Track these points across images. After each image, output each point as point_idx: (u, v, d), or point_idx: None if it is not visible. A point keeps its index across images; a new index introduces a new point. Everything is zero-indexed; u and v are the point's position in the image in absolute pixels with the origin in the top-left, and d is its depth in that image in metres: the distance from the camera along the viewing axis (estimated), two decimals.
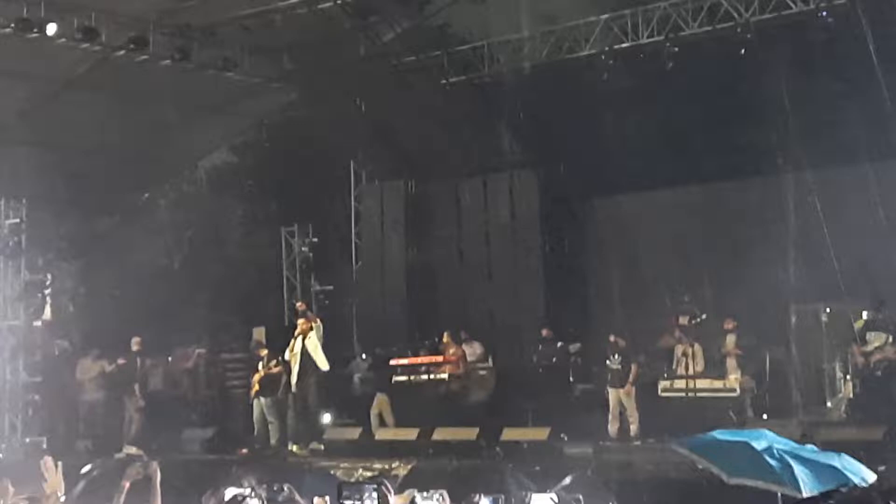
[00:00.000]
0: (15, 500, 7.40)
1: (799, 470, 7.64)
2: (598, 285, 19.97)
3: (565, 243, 20.70)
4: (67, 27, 16.15)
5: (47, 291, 18.29)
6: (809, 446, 9.94)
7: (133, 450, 16.95)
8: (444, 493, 7.12)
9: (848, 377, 15.55)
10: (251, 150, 20.15)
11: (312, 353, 16.58)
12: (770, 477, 7.72)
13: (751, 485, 7.75)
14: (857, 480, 7.71)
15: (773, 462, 7.81)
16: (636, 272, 18.72)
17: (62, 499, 5.84)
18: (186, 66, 17.60)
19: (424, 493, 7.03)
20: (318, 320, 17.00)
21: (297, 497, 7.35)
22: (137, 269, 18.72)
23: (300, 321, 16.84)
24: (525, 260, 20.58)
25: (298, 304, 17.21)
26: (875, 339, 14.37)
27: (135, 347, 17.79)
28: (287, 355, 16.84)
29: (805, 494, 7.45)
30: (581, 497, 8.17)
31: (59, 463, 6.12)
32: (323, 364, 16.64)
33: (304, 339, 16.63)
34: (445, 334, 18.11)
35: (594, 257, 20.34)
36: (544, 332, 18.26)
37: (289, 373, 16.72)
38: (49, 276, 18.31)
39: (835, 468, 7.83)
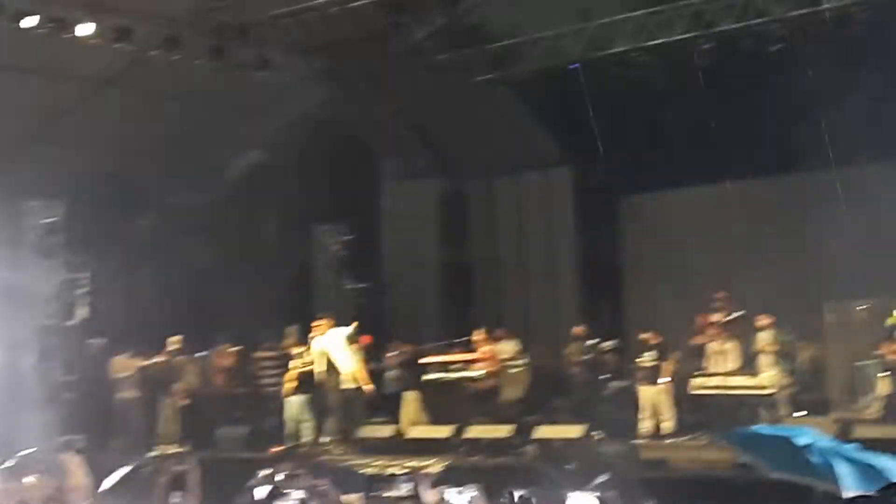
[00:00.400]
0: (43, 491, 7.49)
1: (839, 468, 7.59)
2: (632, 282, 19.92)
3: (599, 240, 20.65)
4: (103, 27, 16.28)
5: (83, 290, 18.43)
6: (851, 445, 9.90)
7: (171, 448, 17.08)
8: (476, 489, 7.13)
9: (883, 374, 15.43)
10: (285, 150, 20.18)
11: (333, 354, 16.69)
12: (811, 473, 7.71)
13: (791, 479, 7.74)
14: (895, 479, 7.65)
15: (814, 459, 7.79)
16: (670, 269, 18.67)
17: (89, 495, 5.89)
18: (220, 65, 17.69)
19: (457, 490, 7.03)
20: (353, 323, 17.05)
21: (333, 492, 7.39)
22: (173, 268, 18.84)
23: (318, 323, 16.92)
24: (559, 257, 20.54)
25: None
26: None
27: (174, 346, 17.91)
28: (307, 356, 16.96)
29: (844, 493, 7.41)
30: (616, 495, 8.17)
31: (82, 458, 6.18)
32: (343, 367, 16.71)
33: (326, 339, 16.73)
34: (478, 332, 18.11)
35: (628, 255, 20.29)
36: (578, 330, 18.21)
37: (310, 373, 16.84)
38: (85, 275, 18.44)
39: (875, 468, 7.77)
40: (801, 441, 8.17)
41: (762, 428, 10.50)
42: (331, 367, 16.75)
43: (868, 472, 7.68)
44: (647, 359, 16.40)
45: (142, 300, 17.92)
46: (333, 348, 16.74)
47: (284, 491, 7.24)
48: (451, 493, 6.82)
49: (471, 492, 7.07)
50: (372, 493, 5.10)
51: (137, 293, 18.18)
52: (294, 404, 16.99)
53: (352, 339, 16.97)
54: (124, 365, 17.92)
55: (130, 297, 18.25)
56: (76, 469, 6.01)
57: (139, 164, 19.03)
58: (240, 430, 17.47)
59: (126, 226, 19.04)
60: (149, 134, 18.50)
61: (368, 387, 17.11)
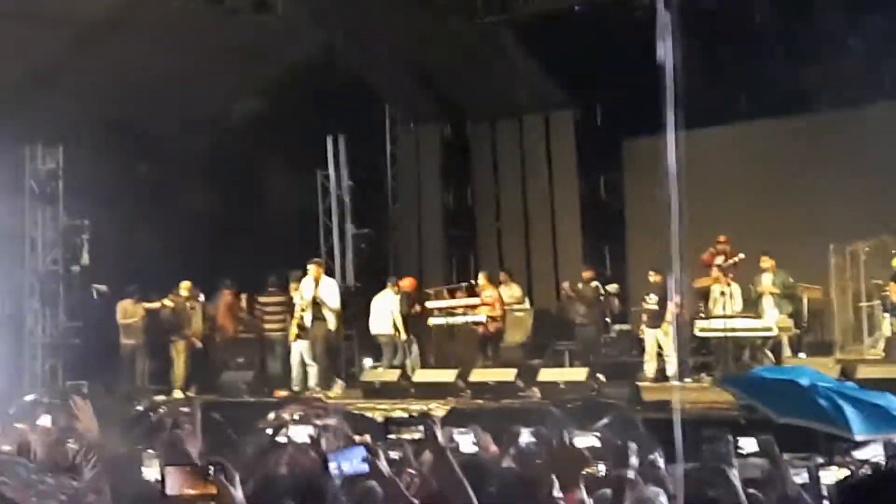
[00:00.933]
0: (49, 436, 7.50)
1: (849, 410, 7.51)
2: (635, 226, 19.90)
3: (602, 184, 20.61)
4: None
5: (85, 236, 18.44)
6: (850, 384, 9.90)
7: (178, 392, 17.18)
8: (479, 428, 7.11)
9: (886, 315, 15.46)
10: (286, 95, 20.06)
11: (323, 299, 16.73)
12: (820, 417, 7.61)
13: (800, 424, 7.65)
14: None
15: (822, 401, 7.69)
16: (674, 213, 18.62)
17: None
18: (219, 9, 17.56)
19: (461, 430, 7.02)
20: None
21: (345, 430, 7.39)
22: (176, 214, 18.82)
23: (312, 266, 16.92)
24: (562, 200, 20.51)
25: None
26: None
27: (184, 292, 17.96)
28: (299, 300, 17.01)
29: (856, 435, 7.34)
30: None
31: (88, 402, 6.18)
32: (331, 315, 16.78)
33: (316, 286, 16.77)
34: (482, 275, 18.15)
35: (631, 198, 20.25)
36: (581, 273, 18.22)
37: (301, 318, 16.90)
38: (87, 222, 18.44)
39: (881, 407, 7.74)
40: (805, 382, 8.11)
41: (763, 370, 10.50)
42: (318, 314, 16.79)
43: (875, 411, 7.65)
44: (650, 301, 16.42)
45: (145, 246, 17.90)
46: (324, 295, 16.75)
47: (294, 427, 7.22)
48: (455, 433, 6.78)
49: (474, 432, 7.05)
50: (387, 436, 5.07)
51: (140, 239, 18.16)
52: (299, 349, 17.06)
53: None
54: (129, 310, 17.96)
55: (133, 243, 18.23)
56: (83, 413, 5.99)
57: (139, 110, 18.93)
58: (245, 374, 17.54)
59: (127, 172, 18.98)
60: (148, 80, 18.37)
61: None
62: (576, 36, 18.15)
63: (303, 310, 16.99)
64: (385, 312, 17.47)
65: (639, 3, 17.51)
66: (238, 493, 3.79)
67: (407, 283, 18.53)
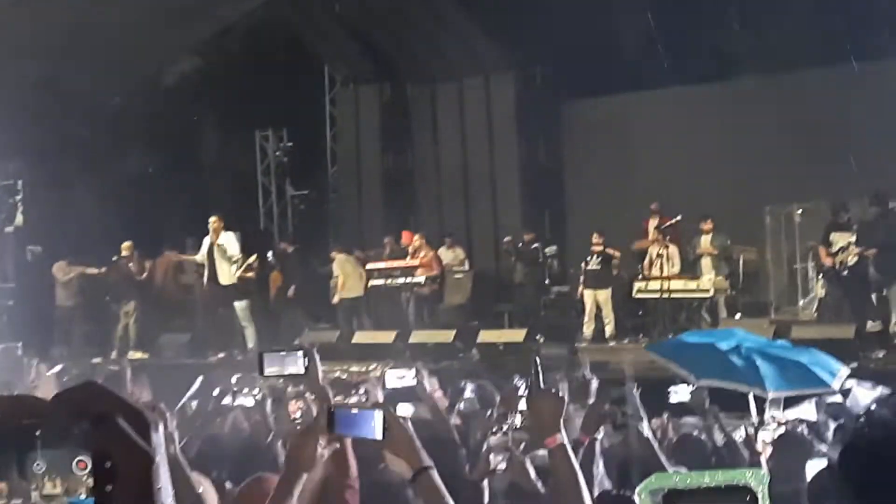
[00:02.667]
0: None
1: (764, 368, 7.71)
2: (575, 188, 20.00)
3: (542, 146, 20.66)
4: None
5: (18, 197, 18.17)
6: (780, 341, 10.09)
7: (137, 354, 17.02)
8: (419, 368, 7.11)
9: (819, 277, 15.68)
10: (223, 54, 19.86)
11: (220, 260, 16.58)
12: (735, 377, 7.81)
13: (717, 385, 7.82)
14: (825, 375, 7.81)
15: (737, 361, 7.90)
16: (613, 175, 18.74)
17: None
18: None
19: (399, 375, 7.05)
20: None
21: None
22: (113, 175, 18.58)
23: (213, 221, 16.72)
24: (502, 163, 20.52)
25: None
26: (839, 240, 14.44)
27: (125, 253, 17.76)
28: (200, 258, 16.89)
29: (769, 393, 7.56)
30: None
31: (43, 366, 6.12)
32: (224, 277, 16.64)
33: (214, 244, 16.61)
34: (421, 238, 18.12)
35: (571, 160, 20.32)
36: (523, 236, 18.27)
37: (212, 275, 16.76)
38: (20, 182, 18.16)
39: (802, 364, 7.90)
40: (725, 345, 8.30)
41: (689, 335, 10.65)
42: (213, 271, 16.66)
43: (794, 369, 7.82)
44: (591, 263, 16.51)
45: (80, 207, 17.66)
46: (221, 252, 16.59)
47: (239, 391, 7.20)
48: (390, 373, 6.79)
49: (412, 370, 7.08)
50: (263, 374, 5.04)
51: (75, 200, 17.92)
52: (237, 310, 16.97)
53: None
54: (66, 271, 17.75)
55: (68, 203, 17.98)
56: (42, 378, 5.94)
57: (73, 70, 18.61)
58: (182, 336, 17.43)
59: (61, 132, 18.69)
60: (83, 39, 18.05)
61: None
62: None
63: (199, 264, 16.88)
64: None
65: None
66: (159, 437, 3.77)
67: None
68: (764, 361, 7.77)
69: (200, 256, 16.78)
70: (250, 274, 17.09)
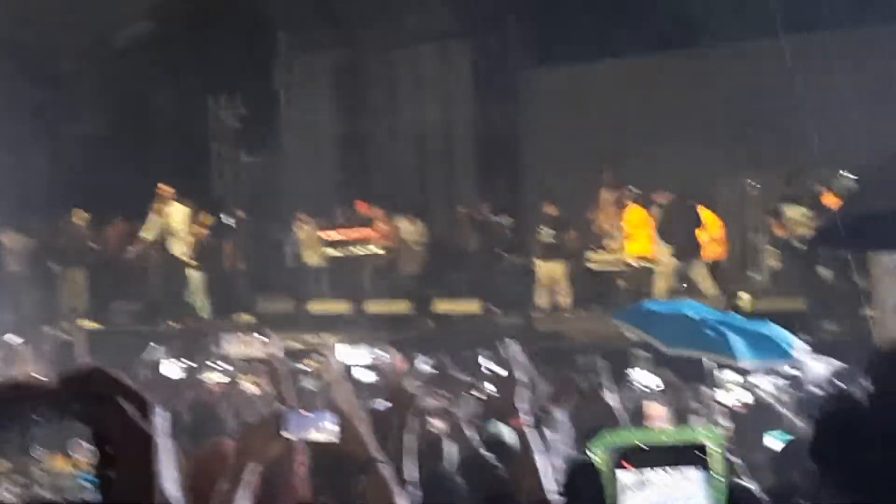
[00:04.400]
0: None
1: (733, 339, 7.82)
2: (531, 158, 19.98)
3: (499, 115, 20.60)
4: None
5: None
6: (733, 314, 10.19)
7: (66, 321, 16.86)
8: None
9: (772, 249, 15.80)
10: (175, 18, 19.60)
11: (175, 233, 16.44)
12: (706, 346, 7.91)
13: (687, 354, 7.90)
14: (786, 347, 7.92)
15: (708, 332, 7.99)
16: (569, 145, 18.73)
17: None
18: None
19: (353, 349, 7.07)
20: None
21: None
22: (63, 140, 18.34)
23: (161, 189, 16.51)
24: (458, 132, 20.47)
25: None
26: (789, 212, 14.56)
27: (77, 220, 17.56)
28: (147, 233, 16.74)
29: (739, 363, 7.66)
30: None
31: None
32: (177, 249, 16.50)
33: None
34: (375, 207, 18.06)
35: (527, 129, 20.29)
36: (479, 205, 18.25)
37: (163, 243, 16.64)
38: None
39: (766, 336, 8.02)
40: (693, 315, 8.37)
41: (652, 304, 10.71)
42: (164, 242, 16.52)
43: (760, 340, 7.93)
44: (544, 233, 16.53)
45: (29, 171, 17.42)
46: (174, 222, 16.43)
47: (203, 364, 7.18)
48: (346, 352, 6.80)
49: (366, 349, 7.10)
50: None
51: (25, 164, 17.66)
52: (191, 279, 16.86)
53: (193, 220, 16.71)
54: (13, 238, 17.53)
55: (17, 168, 17.72)
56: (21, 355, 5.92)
57: (25, 32, 18.32)
58: (134, 304, 17.29)
59: (10, 95, 18.38)
60: (33, 1, 17.77)
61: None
62: None
63: (147, 231, 16.77)
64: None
65: None
66: (159, 419, 3.73)
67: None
68: (731, 332, 7.87)
69: (147, 231, 16.59)
70: (205, 232, 16.96)
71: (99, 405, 1.30)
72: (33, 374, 5.61)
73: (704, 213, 15.57)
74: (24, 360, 5.93)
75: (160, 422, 1.35)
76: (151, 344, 9.83)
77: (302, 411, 2.95)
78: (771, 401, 7.28)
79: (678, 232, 15.85)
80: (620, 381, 7.56)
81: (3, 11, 17.57)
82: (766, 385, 7.67)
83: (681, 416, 6.77)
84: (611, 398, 5.82)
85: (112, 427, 1.30)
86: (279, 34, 21.98)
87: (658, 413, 6.47)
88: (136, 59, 19.67)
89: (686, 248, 15.72)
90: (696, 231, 15.35)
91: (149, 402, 1.35)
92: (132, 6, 19.92)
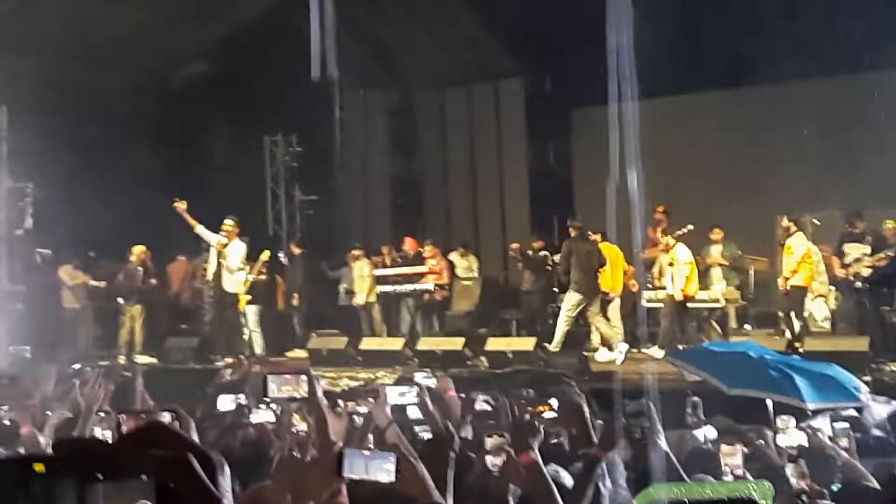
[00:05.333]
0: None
1: (799, 380, 7.63)
2: (583, 195, 19.92)
3: (551, 152, 20.60)
4: None
5: (28, 200, 18.13)
6: (795, 357, 10.00)
7: (123, 357, 16.98)
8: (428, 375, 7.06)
9: (831, 289, 15.59)
10: (232, 57, 19.81)
11: (231, 270, 16.42)
12: (771, 387, 7.72)
13: (752, 395, 7.73)
14: (851, 389, 7.75)
15: (773, 372, 7.81)
16: (622, 182, 18.64)
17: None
18: None
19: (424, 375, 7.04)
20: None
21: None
22: (120, 178, 18.54)
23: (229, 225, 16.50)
24: (510, 169, 20.47)
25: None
26: (851, 251, 14.36)
27: (135, 257, 17.71)
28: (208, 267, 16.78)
29: (808, 404, 7.46)
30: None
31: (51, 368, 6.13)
32: (233, 285, 16.47)
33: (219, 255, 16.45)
34: (429, 244, 18.08)
35: (580, 167, 20.25)
36: (532, 244, 18.20)
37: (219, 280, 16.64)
38: (31, 185, 18.14)
39: (830, 377, 7.85)
40: (755, 355, 8.20)
41: (711, 345, 10.55)
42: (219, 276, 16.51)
43: (824, 381, 7.75)
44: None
45: (89, 210, 17.62)
46: (231, 259, 16.45)
47: (253, 404, 7.17)
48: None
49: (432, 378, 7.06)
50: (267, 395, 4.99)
51: (85, 202, 17.87)
52: (248, 315, 16.93)
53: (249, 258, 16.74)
54: (70, 276, 17.73)
55: (77, 206, 17.93)
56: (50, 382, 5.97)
57: (83, 71, 18.61)
58: (190, 340, 17.37)
59: (70, 134, 18.65)
60: (93, 40, 18.04)
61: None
62: (525, 2, 18.05)
63: (204, 268, 16.83)
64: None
65: None
66: (194, 438, 3.74)
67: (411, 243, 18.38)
68: (796, 373, 7.69)
69: (209, 264, 16.69)
70: (262, 276, 17.07)
71: (162, 464, 1.26)
72: (95, 434, 5.65)
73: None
74: (92, 396, 5.96)
75: (226, 482, 1.31)
76: (208, 389, 9.89)
77: (363, 451, 2.92)
78: (828, 444, 7.12)
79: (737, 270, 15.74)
80: (676, 424, 7.43)
81: (61, 51, 17.88)
82: (825, 428, 7.51)
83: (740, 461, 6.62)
84: (665, 444, 5.69)
85: (176, 485, 1.25)
86: (335, 72, 22.14)
87: (729, 452, 6.30)
88: (192, 99, 19.89)
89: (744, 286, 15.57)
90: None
91: (215, 460, 1.31)
92: (188, 46, 20.17)
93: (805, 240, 14.65)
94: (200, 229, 16.05)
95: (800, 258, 14.30)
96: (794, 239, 14.47)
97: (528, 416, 4.41)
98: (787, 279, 14.34)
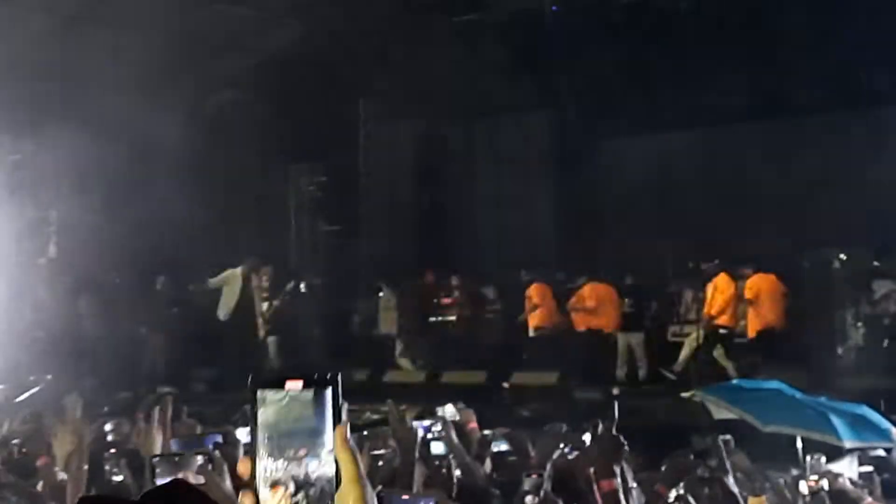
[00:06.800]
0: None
1: (834, 418, 7.50)
2: (611, 229, 19.79)
3: (578, 185, 20.49)
4: None
5: (52, 228, 18.16)
6: (823, 398, 9.84)
7: (166, 388, 16.91)
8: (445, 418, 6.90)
9: (859, 325, 15.40)
10: (259, 88, 19.88)
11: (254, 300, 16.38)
12: (807, 425, 7.58)
13: (786, 433, 7.59)
14: (885, 429, 7.61)
15: (808, 410, 7.69)
16: (649, 215, 18.55)
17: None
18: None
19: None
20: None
21: None
22: (144, 207, 18.56)
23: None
24: (537, 201, 20.38)
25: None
26: (881, 288, 14.20)
27: (159, 286, 17.73)
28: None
29: (845, 442, 7.32)
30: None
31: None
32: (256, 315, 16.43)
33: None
34: (455, 276, 18.01)
35: (607, 200, 20.14)
36: (557, 275, 18.07)
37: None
38: (54, 213, 18.17)
39: (864, 417, 7.71)
40: (789, 392, 8.06)
41: (743, 381, 10.41)
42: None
43: (859, 420, 7.61)
44: (624, 304, 16.30)
45: (113, 239, 17.64)
46: (254, 290, 16.39)
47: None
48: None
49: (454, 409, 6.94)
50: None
51: (107, 232, 17.90)
52: (269, 346, 16.88)
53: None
54: (92, 303, 17.73)
55: (100, 235, 17.96)
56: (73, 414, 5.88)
57: (109, 100, 18.67)
58: (213, 370, 17.33)
59: (94, 162, 18.70)
60: (120, 70, 18.11)
61: None
62: (553, 35, 18.06)
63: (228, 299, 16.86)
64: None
65: (615, 3, 17.48)
66: (227, 483, 3.65)
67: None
68: (831, 412, 7.56)
69: (228, 299, 16.64)
70: (283, 299, 17.03)
71: None
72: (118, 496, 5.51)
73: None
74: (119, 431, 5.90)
75: None
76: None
77: (404, 496, 2.84)
78: (849, 487, 6.93)
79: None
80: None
81: (85, 80, 17.95)
82: (848, 470, 7.31)
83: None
84: (734, 484, 5.47)
85: None
86: (361, 103, 22.16)
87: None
88: (218, 127, 19.93)
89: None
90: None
91: (216, 460, 1.24)
92: (216, 75, 20.23)
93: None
94: None
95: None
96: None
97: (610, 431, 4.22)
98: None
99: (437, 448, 6.47)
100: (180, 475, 3.84)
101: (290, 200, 20.88)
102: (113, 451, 6.13)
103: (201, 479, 3.83)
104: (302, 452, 1.72)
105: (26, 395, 13.40)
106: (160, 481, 3.87)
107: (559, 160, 20.17)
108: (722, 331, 15.59)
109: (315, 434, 1.73)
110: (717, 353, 15.69)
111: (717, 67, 16.98)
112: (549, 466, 5.72)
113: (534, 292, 17.06)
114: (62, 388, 14.16)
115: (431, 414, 7.17)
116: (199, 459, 3.89)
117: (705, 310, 15.79)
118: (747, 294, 15.68)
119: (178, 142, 19.49)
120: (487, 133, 21.11)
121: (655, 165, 18.79)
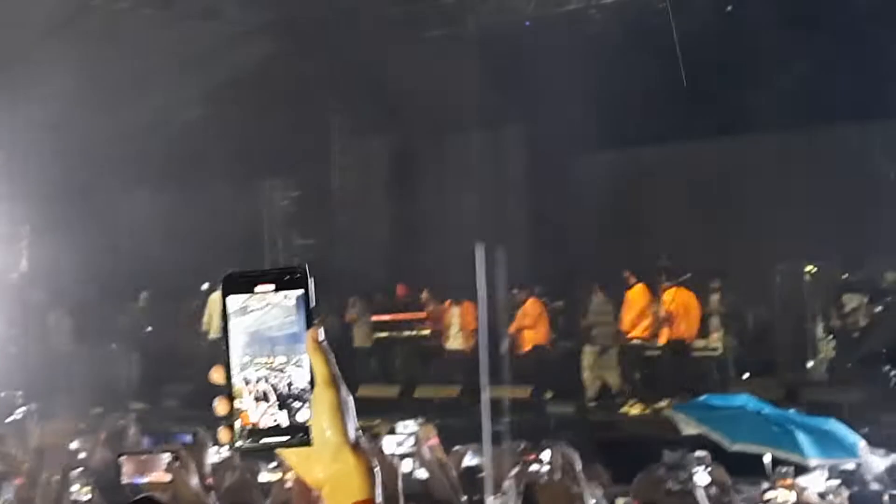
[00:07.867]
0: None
1: (800, 435, 7.57)
2: (583, 243, 19.85)
3: (550, 199, 20.54)
4: None
5: (24, 243, 18.06)
6: (792, 411, 9.92)
7: (119, 403, 16.83)
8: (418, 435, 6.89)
9: (829, 338, 15.51)
10: (231, 103, 19.85)
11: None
12: (773, 443, 7.65)
13: (753, 451, 7.65)
14: (849, 444, 7.67)
15: (774, 427, 7.75)
16: (621, 230, 18.62)
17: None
18: (169, 14, 17.32)
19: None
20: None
21: None
22: (116, 222, 18.53)
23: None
24: (510, 216, 20.40)
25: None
26: (850, 301, 14.31)
27: (131, 302, 17.66)
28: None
29: (809, 460, 7.39)
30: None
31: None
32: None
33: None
34: (426, 291, 18.01)
35: (580, 215, 20.19)
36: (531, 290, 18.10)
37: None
38: (27, 228, 18.07)
39: (830, 433, 7.78)
40: (754, 409, 8.12)
41: (711, 398, 10.46)
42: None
43: (824, 437, 7.68)
44: (591, 318, 16.35)
45: (86, 254, 17.57)
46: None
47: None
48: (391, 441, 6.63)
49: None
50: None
51: (79, 246, 17.81)
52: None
53: None
54: (62, 319, 17.64)
55: (72, 250, 17.88)
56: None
57: (81, 115, 18.61)
58: (184, 386, 17.27)
59: (67, 177, 18.64)
60: (92, 84, 18.06)
61: None
62: (525, 50, 18.13)
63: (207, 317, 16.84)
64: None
65: (589, 18, 17.58)
66: (194, 480, 3.66)
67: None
68: (796, 428, 7.63)
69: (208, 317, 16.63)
70: None
71: None
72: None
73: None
74: (89, 447, 5.86)
75: None
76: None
77: None
78: (816, 500, 6.99)
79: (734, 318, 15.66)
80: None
81: (59, 94, 17.88)
82: (815, 484, 7.35)
83: None
84: (703, 498, 5.49)
85: None
86: (333, 118, 22.19)
87: None
88: (191, 143, 19.89)
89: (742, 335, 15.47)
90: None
91: (184, 458, 1.26)
92: (187, 91, 20.20)
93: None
94: None
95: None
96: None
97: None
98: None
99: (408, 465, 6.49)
100: (150, 476, 3.84)
101: (263, 215, 20.86)
102: (81, 469, 6.11)
103: (169, 477, 3.83)
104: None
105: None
106: (126, 480, 3.87)
107: (532, 174, 20.21)
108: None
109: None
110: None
111: (688, 82, 17.07)
112: (505, 483, 5.76)
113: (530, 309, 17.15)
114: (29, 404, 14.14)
115: (391, 432, 7.18)
116: (167, 457, 3.85)
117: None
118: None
119: (151, 156, 19.47)
120: (459, 148, 21.13)
121: (628, 180, 18.87)
